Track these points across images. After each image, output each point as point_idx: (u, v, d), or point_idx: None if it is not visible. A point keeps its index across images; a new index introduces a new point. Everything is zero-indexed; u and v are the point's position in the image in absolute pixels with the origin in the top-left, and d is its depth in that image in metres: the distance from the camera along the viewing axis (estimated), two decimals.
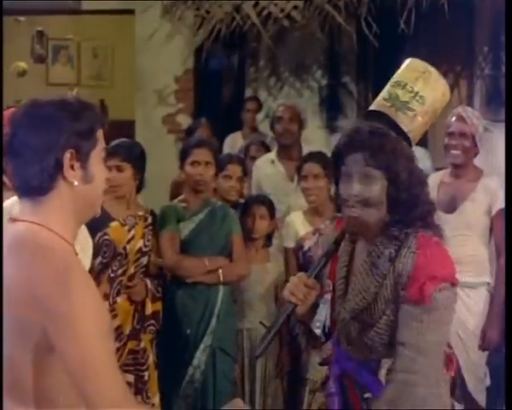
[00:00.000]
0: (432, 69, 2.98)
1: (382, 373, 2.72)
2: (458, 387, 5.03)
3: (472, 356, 4.81)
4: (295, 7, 7.56)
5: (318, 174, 4.89)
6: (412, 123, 2.91)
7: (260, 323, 3.13)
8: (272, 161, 5.89)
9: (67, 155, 2.06)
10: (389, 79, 3.14)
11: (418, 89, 2.92)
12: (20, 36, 10.27)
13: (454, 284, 2.65)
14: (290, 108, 5.97)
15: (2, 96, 4.70)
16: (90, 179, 2.11)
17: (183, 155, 4.80)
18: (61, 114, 2.08)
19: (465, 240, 4.84)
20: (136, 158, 4.68)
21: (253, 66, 8.29)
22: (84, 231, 4.26)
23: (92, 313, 1.96)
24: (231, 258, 4.71)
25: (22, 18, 9.99)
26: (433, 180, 5.11)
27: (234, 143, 7.38)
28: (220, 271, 4.64)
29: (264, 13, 7.62)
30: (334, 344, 2.90)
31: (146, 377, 4.60)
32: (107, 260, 4.53)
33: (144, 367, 4.60)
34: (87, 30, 10.05)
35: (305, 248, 4.92)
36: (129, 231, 4.59)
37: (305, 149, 5.70)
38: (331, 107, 8.01)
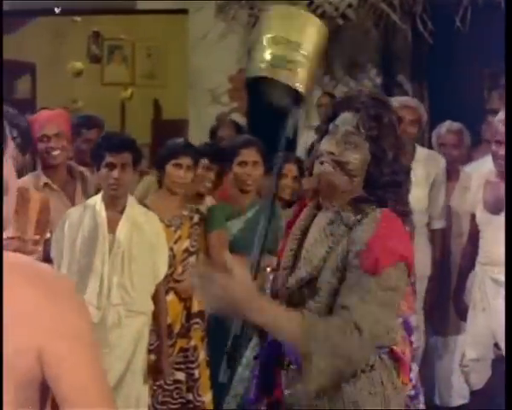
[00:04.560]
0: (299, 11, 2.64)
1: None
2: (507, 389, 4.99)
3: None
4: (350, 5, 7.53)
5: None
6: (298, 75, 2.59)
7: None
8: None
9: None
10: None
11: (291, 37, 2.56)
12: (76, 36, 10.37)
13: (409, 266, 2.46)
14: (412, 108, 5.54)
15: (2, 96, 4.78)
16: (5, 190, 1.64)
17: (231, 155, 4.79)
18: None
19: None
20: (198, 160, 4.74)
21: None
22: (161, 238, 4.35)
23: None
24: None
25: (78, 18, 10.10)
26: (478, 180, 5.02)
27: (307, 139, 7.33)
28: (268, 269, 4.62)
29: (319, 11, 7.58)
30: None
31: (196, 375, 4.62)
32: None
33: (195, 365, 4.62)
34: (141, 30, 10.11)
35: None
36: (175, 231, 4.62)
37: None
38: None
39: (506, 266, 4.10)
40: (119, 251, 4.26)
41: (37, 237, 3.98)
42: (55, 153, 4.65)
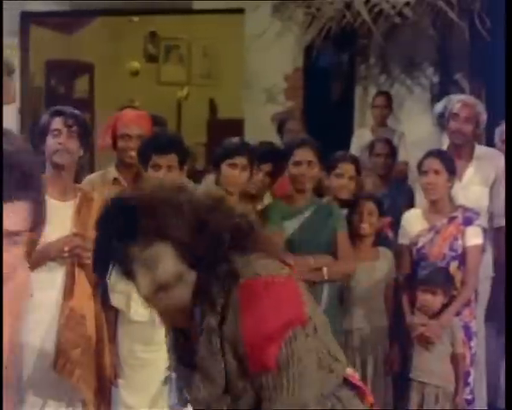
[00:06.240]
0: None
1: None
2: None
3: None
4: (407, 3, 7.47)
5: (438, 170, 4.82)
6: None
7: None
8: None
9: None
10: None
11: None
12: (133, 36, 10.48)
13: (303, 323, 2.06)
14: (468, 106, 5.45)
15: (1, 95, 4.83)
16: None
17: (286, 156, 4.80)
18: None
19: None
20: (254, 160, 4.72)
21: (363, 63, 8.24)
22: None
23: None
24: (336, 256, 4.68)
25: (136, 18, 10.19)
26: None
27: (361, 138, 7.32)
28: (325, 269, 4.61)
29: (376, 10, 7.55)
30: None
31: None
32: None
33: None
34: (198, 29, 10.17)
35: (419, 245, 4.85)
36: None
37: (477, 148, 5.47)
38: None
39: (506, 266, 4.04)
40: None
41: None
42: (133, 153, 4.65)
